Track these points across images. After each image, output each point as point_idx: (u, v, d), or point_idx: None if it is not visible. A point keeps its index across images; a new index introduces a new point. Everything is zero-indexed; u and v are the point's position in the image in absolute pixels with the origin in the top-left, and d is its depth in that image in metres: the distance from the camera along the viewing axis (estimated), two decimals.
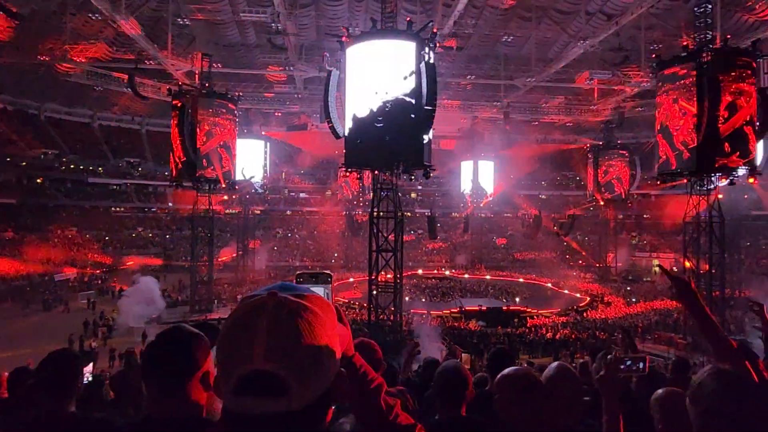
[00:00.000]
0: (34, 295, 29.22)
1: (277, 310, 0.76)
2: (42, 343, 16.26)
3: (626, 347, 4.47)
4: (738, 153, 19.40)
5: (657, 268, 42.05)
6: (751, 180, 20.66)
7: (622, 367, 1.76)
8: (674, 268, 34.02)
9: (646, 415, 1.94)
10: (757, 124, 19.99)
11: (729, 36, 21.33)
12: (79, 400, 2.10)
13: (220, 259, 35.20)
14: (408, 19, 17.48)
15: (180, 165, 26.41)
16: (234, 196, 36.04)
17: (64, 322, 22.85)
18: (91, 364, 11.08)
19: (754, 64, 20.06)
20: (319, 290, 1.08)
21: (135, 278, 26.07)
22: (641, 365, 1.85)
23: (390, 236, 17.93)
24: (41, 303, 27.94)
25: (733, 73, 19.44)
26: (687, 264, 21.51)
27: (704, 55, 19.65)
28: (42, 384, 2.05)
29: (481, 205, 46.59)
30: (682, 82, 20.35)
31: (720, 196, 21.34)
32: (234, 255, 36.15)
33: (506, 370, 1.85)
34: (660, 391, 1.94)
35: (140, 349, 13.28)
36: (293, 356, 0.73)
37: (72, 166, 43.63)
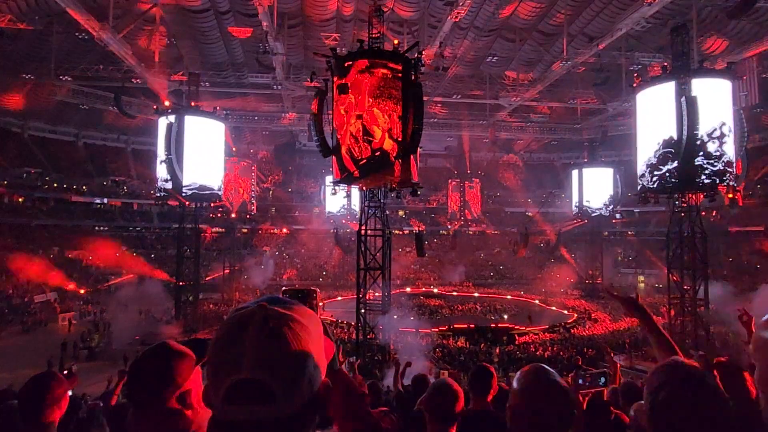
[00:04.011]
0: (13, 316, 28.40)
1: (265, 321, 0.79)
2: (21, 366, 15.78)
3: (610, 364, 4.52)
4: (718, 171, 19.89)
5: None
6: (731, 196, 21.13)
7: (581, 381, 1.78)
8: (658, 284, 34.36)
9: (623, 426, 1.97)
10: (735, 142, 20.57)
11: (705, 59, 22.09)
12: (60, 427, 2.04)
13: (206, 279, 34.67)
14: (396, 41, 17.78)
15: (166, 184, 26.25)
16: (219, 215, 35.75)
17: (45, 344, 22.19)
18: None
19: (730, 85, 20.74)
20: None
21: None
22: (602, 380, 1.89)
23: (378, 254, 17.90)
24: (20, 324, 27.15)
25: (709, 93, 20.06)
26: (671, 279, 21.74)
27: (682, 76, 20.26)
28: (22, 409, 1.99)
29: (469, 222, 46.85)
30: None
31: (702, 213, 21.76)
32: (221, 274, 35.65)
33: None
34: (640, 402, 1.97)
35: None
36: (280, 365, 0.76)
37: (55, 185, 42.93)
